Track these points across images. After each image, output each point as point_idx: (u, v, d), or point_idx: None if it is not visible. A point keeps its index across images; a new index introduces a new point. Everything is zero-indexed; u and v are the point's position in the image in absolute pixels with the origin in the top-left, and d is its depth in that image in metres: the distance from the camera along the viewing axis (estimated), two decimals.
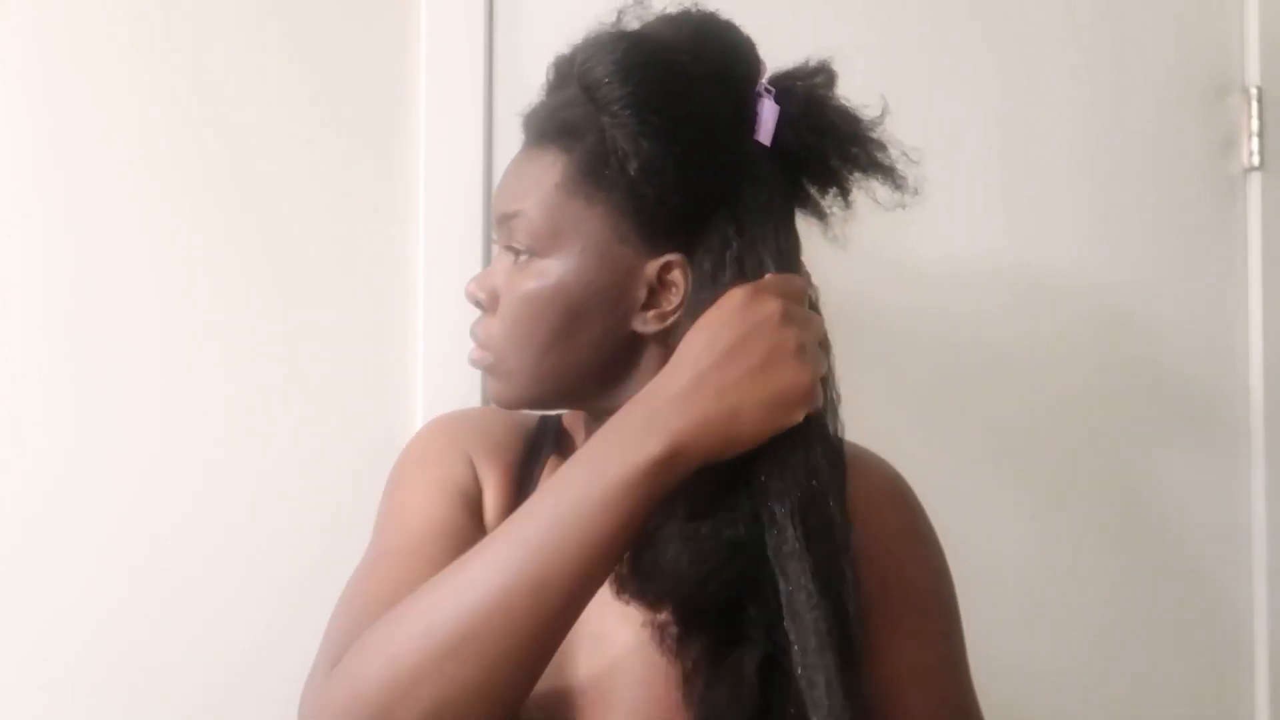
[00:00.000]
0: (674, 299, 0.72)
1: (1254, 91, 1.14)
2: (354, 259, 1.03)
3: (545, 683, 0.71)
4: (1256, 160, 1.13)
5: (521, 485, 0.79)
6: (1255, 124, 1.13)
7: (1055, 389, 1.11)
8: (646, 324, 0.72)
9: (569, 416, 0.85)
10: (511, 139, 1.02)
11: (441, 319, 1.02)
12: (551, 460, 0.82)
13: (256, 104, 1.01)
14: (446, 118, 1.03)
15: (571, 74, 0.74)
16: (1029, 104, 1.12)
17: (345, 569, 1.01)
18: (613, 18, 0.76)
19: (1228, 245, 1.15)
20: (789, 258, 0.72)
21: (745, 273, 0.69)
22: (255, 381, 1.00)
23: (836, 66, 0.75)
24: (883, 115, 0.75)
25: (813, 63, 0.75)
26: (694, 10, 0.76)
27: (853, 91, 0.77)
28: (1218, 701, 1.13)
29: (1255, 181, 1.14)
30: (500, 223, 0.74)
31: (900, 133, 0.79)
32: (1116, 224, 1.13)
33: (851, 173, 0.75)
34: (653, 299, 0.72)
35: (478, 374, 1.01)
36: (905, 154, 0.75)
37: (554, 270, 0.71)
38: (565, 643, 0.71)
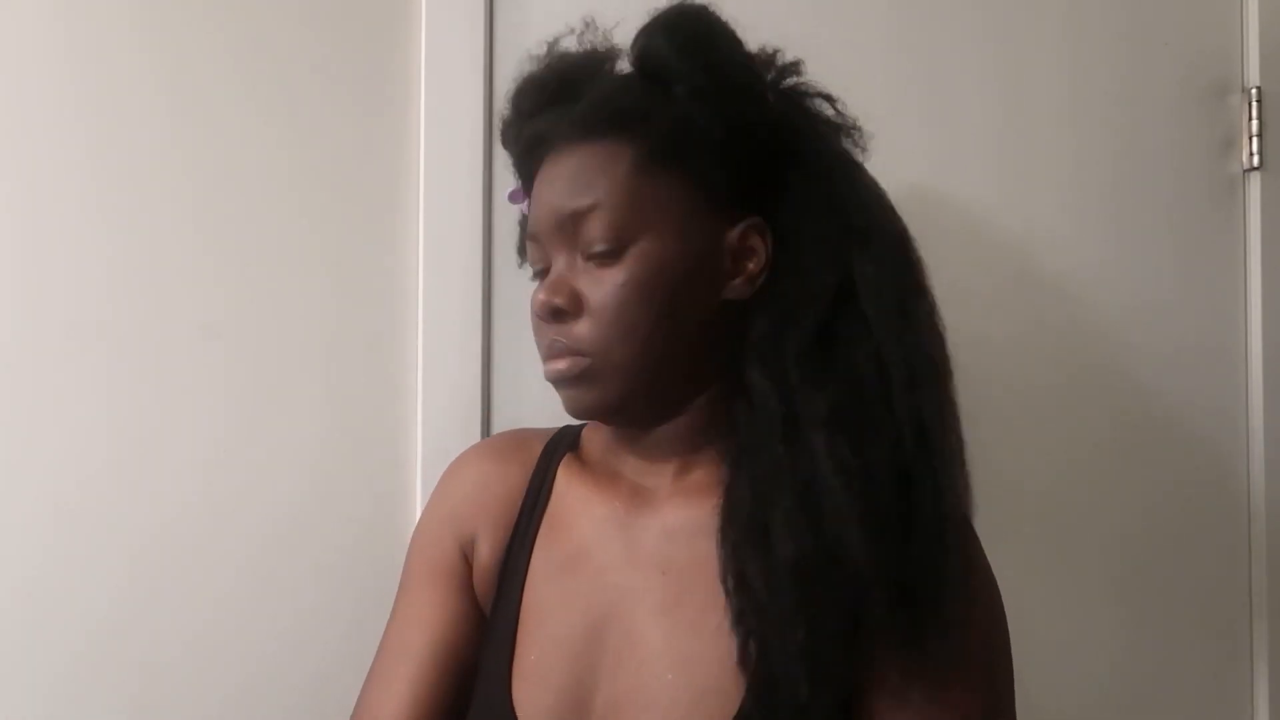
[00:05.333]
0: (758, 262, 0.73)
1: (1254, 92, 1.14)
2: (354, 259, 1.03)
3: (567, 691, 0.72)
4: (1256, 160, 1.13)
5: (528, 513, 0.80)
6: (1255, 124, 1.13)
7: (1054, 388, 1.11)
8: (736, 291, 0.73)
9: (590, 426, 0.85)
10: None
11: (442, 319, 1.02)
12: (566, 459, 0.82)
13: (256, 103, 1.02)
14: (446, 118, 1.03)
15: (595, 69, 0.76)
16: (1028, 104, 1.12)
17: (343, 568, 1.01)
18: (605, 19, 0.79)
19: (1228, 245, 1.15)
20: (869, 192, 0.75)
21: (834, 221, 0.72)
22: (255, 381, 1.01)
23: (841, 67, 0.79)
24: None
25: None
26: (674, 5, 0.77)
27: (852, 86, 0.79)
28: (1217, 703, 1.13)
29: (1255, 181, 1.14)
30: (563, 223, 0.72)
31: (895, 130, 0.83)
32: (1116, 224, 1.13)
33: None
34: (736, 265, 0.73)
35: (477, 374, 1.02)
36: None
37: (645, 254, 0.71)
38: (590, 644, 0.73)
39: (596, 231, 0.71)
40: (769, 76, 0.77)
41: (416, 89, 1.04)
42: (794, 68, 0.79)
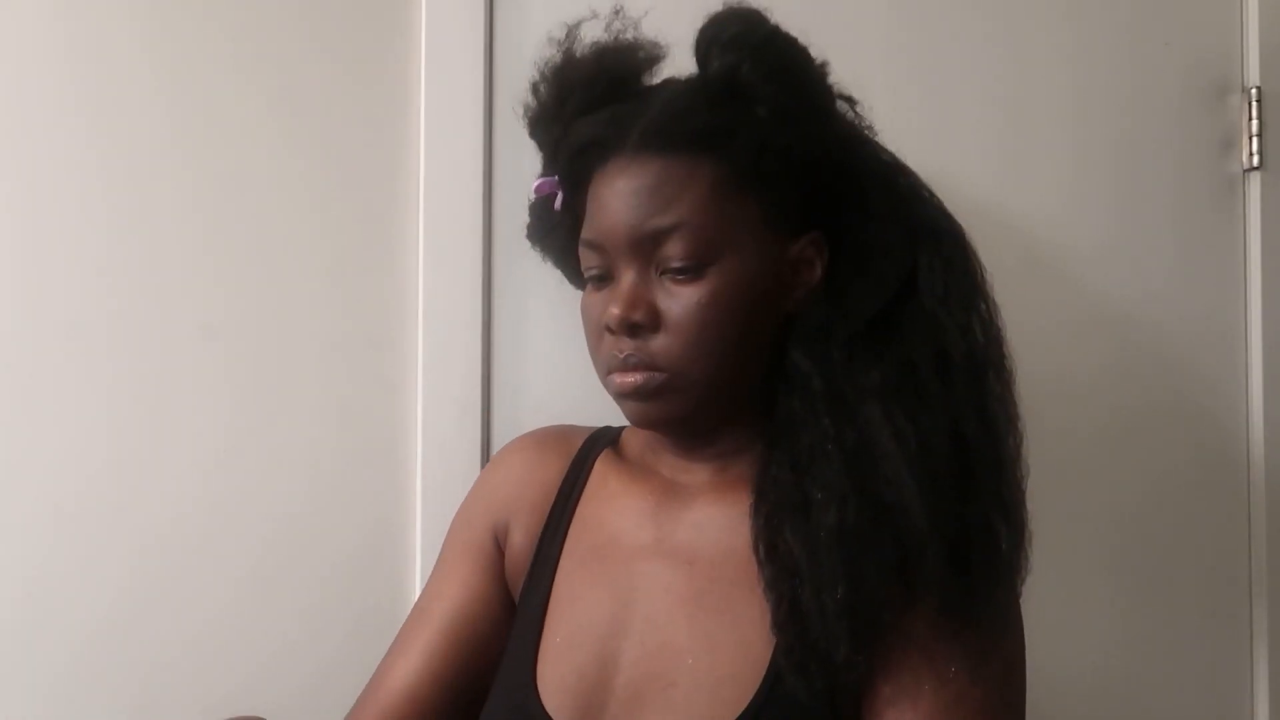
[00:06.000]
0: (814, 274, 0.74)
1: (1254, 92, 1.13)
2: (354, 259, 1.03)
3: (590, 671, 0.73)
4: (1256, 160, 1.13)
5: (563, 501, 0.82)
6: (1255, 124, 1.13)
7: (1054, 388, 1.11)
8: (795, 303, 0.74)
9: (631, 429, 0.85)
10: (511, 138, 1.03)
11: (442, 319, 1.02)
12: (604, 454, 0.84)
13: (255, 103, 1.02)
14: (447, 118, 1.03)
15: (645, 68, 0.76)
16: (1029, 104, 1.11)
17: (343, 568, 1.01)
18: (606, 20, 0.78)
19: (1228, 245, 1.15)
20: (929, 195, 0.78)
21: (899, 226, 0.74)
22: (255, 382, 1.01)
23: (841, 67, 0.78)
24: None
25: None
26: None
27: (855, 85, 0.79)
28: (1217, 704, 1.13)
29: (1255, 181, 1.14)
30: (641, 240, 0.71)
31: (897, 130, 0.82)
32: (1116, 224, 1.13)
33: None
34: (795, 278, 0.74)
35: (477, 374, 1.02)
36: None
37: (724, 273, 0.71)
38: (615, 628, 0.74)
39: (677, 250, 0.70)
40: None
41: (416, 89, 1.04)
42: (825, 69, 0.78)
